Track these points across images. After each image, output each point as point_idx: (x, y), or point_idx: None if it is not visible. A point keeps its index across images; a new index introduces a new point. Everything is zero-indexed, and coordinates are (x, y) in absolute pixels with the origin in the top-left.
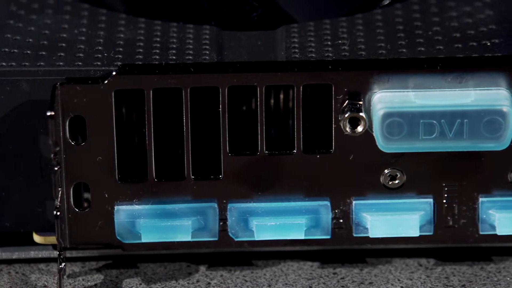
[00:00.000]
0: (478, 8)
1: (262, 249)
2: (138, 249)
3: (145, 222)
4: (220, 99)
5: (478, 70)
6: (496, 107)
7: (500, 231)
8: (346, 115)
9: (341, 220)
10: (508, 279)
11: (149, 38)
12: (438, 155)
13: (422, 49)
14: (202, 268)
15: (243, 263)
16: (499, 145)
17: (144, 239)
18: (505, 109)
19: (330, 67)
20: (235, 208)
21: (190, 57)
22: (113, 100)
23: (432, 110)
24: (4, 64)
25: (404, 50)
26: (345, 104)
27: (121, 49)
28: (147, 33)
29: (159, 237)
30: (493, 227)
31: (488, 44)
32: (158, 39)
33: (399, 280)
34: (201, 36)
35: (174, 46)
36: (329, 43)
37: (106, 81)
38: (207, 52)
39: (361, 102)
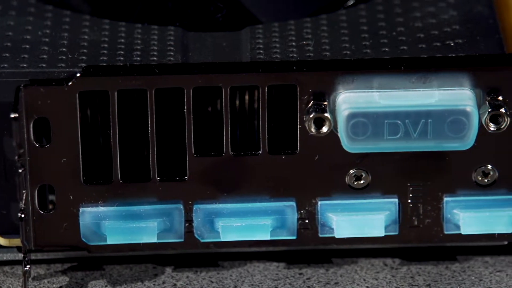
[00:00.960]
0: (442, 8)
1: (228, 250)
2: (104, 251)
3: (111, 223)
4: (185, 100)
5: (442, 70)
6: (460, 107)
7: (465, 230)
8: (311, 116)
9: (307, 221)
10: (473, 278)
11: (114, 40)
12: (403, 155)
13: (387, 49)
14: (168, 270)
15: (209, 264)
16: (463, 145)
17: (109, 241)
18: (468, 109)
19: (294, 67)
20: (200, 209)
21: (155, 58)
22: (77, 101)
23: (397, 110)
24: None
25: (368, 51)
26: (310, 105)
27: (85, 50)
28: (112, 35)
29: (125, 239)
30: (457, 227)
31: (452, 44)
32: (122, 40)
33: (364, 280)
34: (166, 37)
35: (139, 47)
36: (293, 43)
37: (70, 83)
38: (172, 53)
39: (325, 103)
